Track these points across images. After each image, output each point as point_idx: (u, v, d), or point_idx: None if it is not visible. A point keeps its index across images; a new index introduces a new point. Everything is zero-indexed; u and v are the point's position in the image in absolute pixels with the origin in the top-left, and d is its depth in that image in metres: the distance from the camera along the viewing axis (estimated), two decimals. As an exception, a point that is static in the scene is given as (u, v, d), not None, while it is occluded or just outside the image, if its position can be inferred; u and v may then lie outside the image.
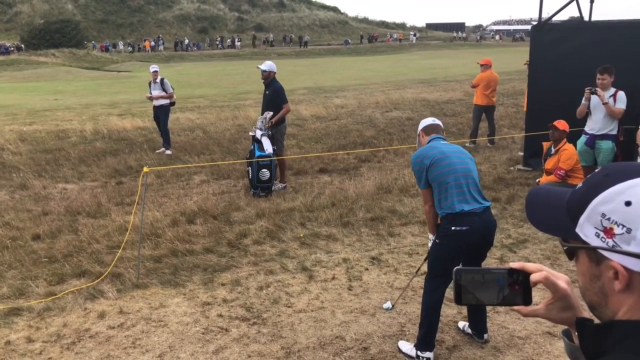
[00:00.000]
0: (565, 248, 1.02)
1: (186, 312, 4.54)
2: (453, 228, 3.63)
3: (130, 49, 57.67)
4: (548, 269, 1.11)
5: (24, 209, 7.24)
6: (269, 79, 7.99)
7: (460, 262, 3.78)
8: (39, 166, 9.64)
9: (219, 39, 63.70)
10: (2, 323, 4.39)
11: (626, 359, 0.87)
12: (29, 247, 5.88)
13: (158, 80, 10.59)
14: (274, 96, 7.89)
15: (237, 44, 62.58)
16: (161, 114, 10.64)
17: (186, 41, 61.95)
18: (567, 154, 6.32)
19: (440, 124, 4.11)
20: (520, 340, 4.06)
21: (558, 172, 6.28)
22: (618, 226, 0.90)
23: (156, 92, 10.62)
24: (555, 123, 6.39)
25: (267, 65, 8.00)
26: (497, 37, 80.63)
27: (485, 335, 4.02)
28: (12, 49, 50.06)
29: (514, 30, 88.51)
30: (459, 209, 3.62)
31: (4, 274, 5.24)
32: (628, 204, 0.89)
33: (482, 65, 10.96)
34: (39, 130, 13.26)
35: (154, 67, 10.83)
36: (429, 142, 3.94)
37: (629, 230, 0.88)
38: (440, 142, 3.91)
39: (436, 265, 3.76)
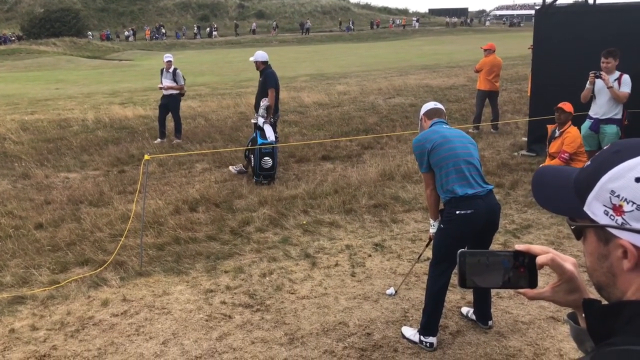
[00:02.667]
0: (572, 228, 0.99)
1: (189, 300, 4.54)
2: (458, 212, 3.61)
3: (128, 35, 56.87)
4: (554, 251, 1.09)
5: (27, 198, 7.24)
6: (260, 67, 8.24)
7: (466, 247, 3.76)
8: (40, 155, 9.63)
9: (196, 28, 61.51)
10: (6, 311, 4.40)
11: (634, 340, 0.84)
12: (32, 236, 5.89)
13: (171, 70, 10.41)
14: (265, 82, 8.08)
15: (214, 33, 60.30)
16: (171, 104, 10.48)
17: (162, 30, 60.04)
18: (571, 137, 6.27)
19: (442, 108, 4.07)
20: (524, 325, 4.05)
21: (562, 155, 6.23)
22: (628, 203, 0.87)
23: (167, 82, 10.40)
24: (561, 105, 6.33)
25: (255, 56, 8.28)
26: (487, 22, 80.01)
27: (490, 322, 4.02)
28: (12, 38, 49.90)
29: (517, 15, 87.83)
30: (462, 193, 3.60)
31: (8, 263, 5.25)
32: (638, 180, 0.86)
33: (485, 50, 10.87)
34: (41, 119, 13.24)
35: (167, 57, 10.60)
36: (431, 126, 3.91)
37: (639, 207, 0.86)
38: (443, 127, 3.88)
39: (441, 250, 3.73)
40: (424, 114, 4.03)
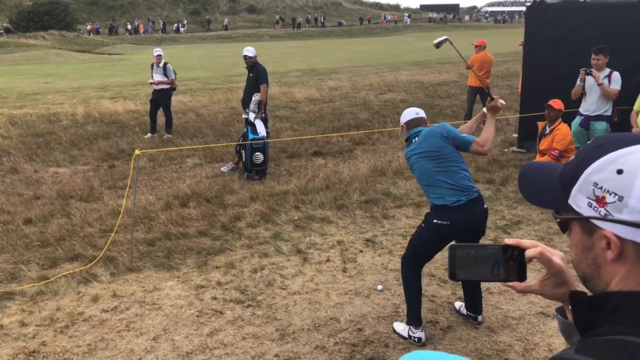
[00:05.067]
0: (558, 220, 1.01)
1: (180, 295, 4.53)
2: (435, 221, 3.70)
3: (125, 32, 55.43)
4: (543, 245, 1.11)
5: (15, 193, 7.17)
6: (252, 63, 8.27)
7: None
8: (29, 150, 9.54)
9: (161, 23, 58.81)
10: (-6, 307, 4.36)
11: (618, 330, 0.86)
12: (21, 231, 5.84)
13: (161, 64, 10.32)
14: (258, 77, 8.08)
15: (182, 29, 57.84)
16: (162, 98, 10.41)
17: (129, 26, 57.61)
18: (562, 134, 6.30)
19: (423, 115, 4.02)
20: (514, 321, 4.08)
21: (552, 152, 6.26)
22: (610, 194, 0.89)
23: (158, 77, 10.32)
24: (551, 102, 6.36)
25: (252, 51, 8.31)
26: (467, 17, 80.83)
27: (480, 317, 4.04)
28: (0, 31, 49.29)
29: (507, 11, 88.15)
30: (440, 204, 3.69)
31: (-4, 258, 5.21)
32: (620, 172, 0.89)
33: (476, 47, 10.89)
34: (30, 113, 13.11)
35: (157, 51, 10.50)
36: (408, 137, 3.93)
37: (620, 198, 0.88)
38: (413, 141, 3.86)
39: (417, 248, 3.85)
40: (405, 124, 4.00)
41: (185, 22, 60.93)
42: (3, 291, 4.59)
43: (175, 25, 59.13)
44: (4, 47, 40.25)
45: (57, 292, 4.58)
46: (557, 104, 6.35)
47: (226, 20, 62.79)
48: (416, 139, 3.88)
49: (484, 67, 10.71)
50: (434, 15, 77.33)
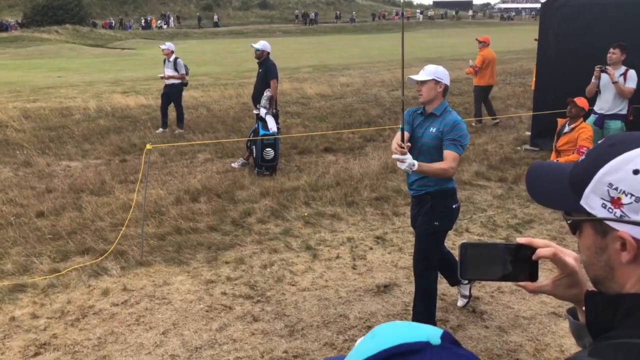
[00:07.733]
0: (569, 222, 0.99)
1: (190, 290, 4.54)
2: (454, 205, 3.76)
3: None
4: (556, 245, 1.09)
5: (28, 186, 7.23)
6: (262, 57, 8.21)
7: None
8: (42, 143, 9.61)
9: (142, 19, 57.57)
10: (6, 299, 4.40)
11: (633, 333, 0.84)
12: (33, 224, 5.88)
13: (172, 59, 10.34)
14: (267, 73, 8.07)
15: (164, 26, 55.86)
16: (173, 93, 10.42)
17: (112, 22, 56.64)
18: (587, 132, 6.05)
19: None
20: (525, 321, 4.04)
21: (580, 149, 6.04)
22: (626, 195, 0.87)
23: (168, 71, 10.34)
24: (575, 99, 6.21)
25: (261, 44, 8.25)
26: (470, 13, 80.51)
27: (465, 282, 4.10)
28: (15, 28, 49.68)
29: (521, 8, 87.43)
30: (453, 185, 3.76)
31: (9, 251, 5.25)
32: (636, 172, 0.86)
33: (480, 42, 10.83)
34: (43, 107, 13.21)
35: (164, 46, 10.47)
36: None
37: (637, 200, 0.86)
38: (439, 118, 3.91)
39: (433, 247, 3.79)
40: (447, 86, 3.83)
41: (172, 18, 59.80)
42: (15, 283, 4.63)
43: (160, 21, 57.42)
44: (18, 41, 40.62)
45: (68, 285, 4.62)
46: (581, 101, 6.16)
47: (216, 17, 61.53)
48: (444, 117, 3.66)
49: (489, 65, 10.62)
50: (432, 12, 76.59)
